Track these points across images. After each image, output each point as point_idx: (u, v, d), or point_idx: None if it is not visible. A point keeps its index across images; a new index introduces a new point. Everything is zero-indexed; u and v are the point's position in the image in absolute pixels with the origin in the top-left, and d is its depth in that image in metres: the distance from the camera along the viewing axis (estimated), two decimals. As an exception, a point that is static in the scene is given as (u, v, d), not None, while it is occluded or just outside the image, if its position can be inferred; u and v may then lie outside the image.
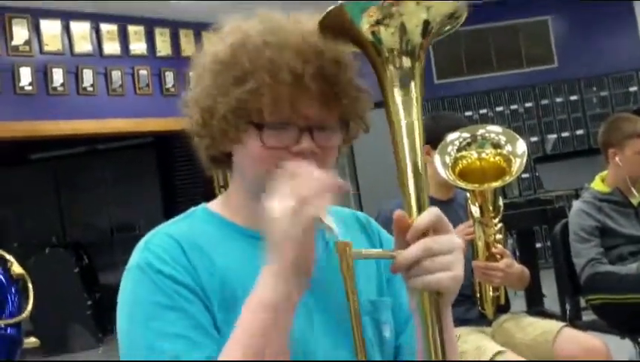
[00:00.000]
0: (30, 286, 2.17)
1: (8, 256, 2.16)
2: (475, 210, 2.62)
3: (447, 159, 2.66)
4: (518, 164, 2.57)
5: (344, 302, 1.26)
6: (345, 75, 1.28)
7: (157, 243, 1.28)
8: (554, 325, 2.78)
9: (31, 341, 2.19)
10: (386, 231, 1.54)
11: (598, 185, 3.49)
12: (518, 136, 2.66)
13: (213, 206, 1.40)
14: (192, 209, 1.40)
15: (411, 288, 1.14)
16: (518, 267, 2.74)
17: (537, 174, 7.31)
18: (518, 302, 5.00)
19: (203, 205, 1.41)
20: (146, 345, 1.20)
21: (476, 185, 2.58)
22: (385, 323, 1.40)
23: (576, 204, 3.45)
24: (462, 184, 2.63)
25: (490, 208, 2.63)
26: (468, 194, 2.67)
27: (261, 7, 1.33)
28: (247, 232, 1.34)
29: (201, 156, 1.36)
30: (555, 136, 8.75)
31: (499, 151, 2.63)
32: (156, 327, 1.20)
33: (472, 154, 2.66)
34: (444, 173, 2.64)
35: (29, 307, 2.14)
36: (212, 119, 1.27)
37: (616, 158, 3.38)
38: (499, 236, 2.66)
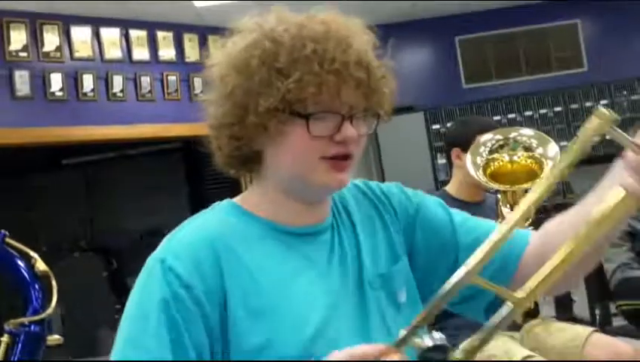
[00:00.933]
0: (54, 283, 2.19)
1: (32, 253, 2.18)
2: (506, 212, 2.61)
3: (479, 160, 2.66)
4: (550, 167, 2.56)
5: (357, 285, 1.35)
6: (376, 61, 1.32)
7: (179, 239, 1.29)
8: (583, 330, 2.76)
9: (54, 338, 2.20)
10: (384, 183, 1.57)
11: (628, 188, 3.45)
12: (550, 139, 2.65)
13: (239, 201, 1.41)
14: (217, 203, 1.41)
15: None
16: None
17: (567, 179, 7.25)
18: (547, 308, 4.96)
19: (228, 200, 1.41)
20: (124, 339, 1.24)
21: (507, 186, 2.58)
22: (399, 290, 1.43)
23: (607, 208, 3.41)
24: (493, 185, 2.62)
25: (521, 212, 2.61)
26: (499, 196, 2.66)
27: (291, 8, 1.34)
28: (276, 226, 1.35)
29: (222, 157, 1.36)
30: (584, 140, 8.67)
31: (530, 153, 2.62)
32: (134, 331, 1.22)
33: (504, 157, 2.66)
34: (474, 174, 2.63)
35: (53, 304, 2.15)
36: (248, 115, 1.27)
37: None
38: (529, 240, 2.64)
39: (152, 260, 1.27)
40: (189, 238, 1.28)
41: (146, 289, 1.24)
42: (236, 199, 1.41)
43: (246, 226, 1.33)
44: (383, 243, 1.46)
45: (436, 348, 1.09)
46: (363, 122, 1.33)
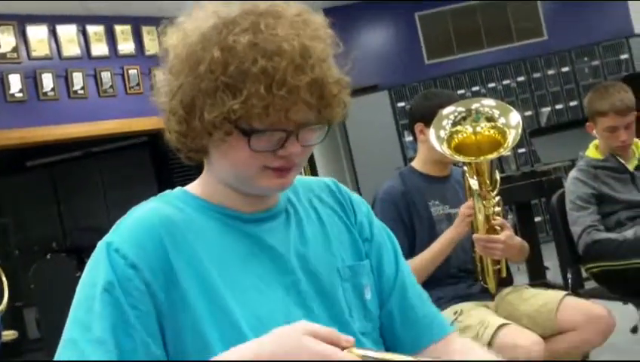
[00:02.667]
0: (4, 280, 2.17)
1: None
2: (473, 183, 2.62)
3: (442, 133, 2.65)
4: (513, 136, 2.57)
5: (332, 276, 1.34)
6: (333, 76, 1.26)
7: (126, 223, 1.28)
8: (556, 295, 2.78)
9: (9, 333, 2.18)
10: (355, 194, 1.56)
11: (592, 152, 3.49)
12: (511, 108, 2.65)
13: (189, 188, 1.40)
14: (168, 191, 1.39)
15: None
16: (518, 239, 2.75)
17: (533, 148, 7.31)
18: (521, 277, 5.01)
19: (179, 188, 1.41)
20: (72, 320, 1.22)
21: (472, 158, 2.58)
22: (366, 286, 1.43)
23: (572, 173, 3.45)
24: (458, 157, 2.63)
25: (488, 182, 2.63)
26: (465, 168, 2.67)
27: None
28: (226, 212, 1.34)
29: (172, 142, 1.34)
30: (548, 108, 8.75)
31: (493, 124, 2.62)
32: (80, 314, 1.21)
33: (467, 129, 2.66)
34: (439, 147, 2.63)
35: (5, 301, 2.13)
36: (193, 120, 1.25)
37: (594, 131, 3.40)
38: (497, 209, 2.66)
39: (100, 244, 1.27)
40: (136, 222, 1.27)
41: (92, 272, 1.23)
42: (187, 187, 1.40)
43: (195, 211, 1.32)
44: (347, 241, 1.46)
45: None
46: (311, 133, 1.30)
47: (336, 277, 1.39)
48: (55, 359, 1.20)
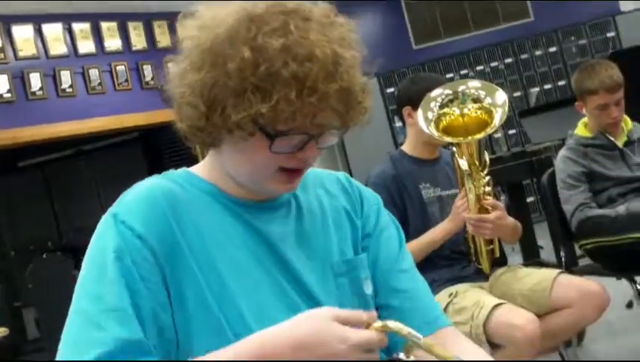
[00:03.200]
0: None
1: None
2: (462, 163, 2.63)
3: (430, 115, 2.67)
4: (500, 114, 2.58)
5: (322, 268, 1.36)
6: (359, 83, 1.26)
7: (132, 195, 1.29)
8: (550, 273, 2.79)
9: (0, 330, 2.19)
10: (367, 189, 1.57)
11: (581, 130, 3.50)
12: (497, 88, 2.67)
13: (194, 169, 1.40)
14: (172, 170, 1.39)
15: None
16: (510, 219, 2.76)
17: (524, 129, 7.32)
18: (516, 258, 5.04)
19: (183, 168, 1.40)
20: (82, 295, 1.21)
21: (460, 138, 2.60)
22: (365, 279, 1.43)
23: (561, 152, 3.46)
24: (447, 138, 2.64)
25: (477, 162, 2.64)
26: (454, 148, 2.68)
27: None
28: (229, 197, 1.35)
29: (182, 130, 1.31)
30: (537, 89, 8.76)
31: (480, 105, 2.64)
32: (91, 284, 1.20)
33: (455, 111, 2.67)
34: (426, 128, 2.64)
35: None
36: (214, 114, 1.22)
37: (584, 110, 3.42)
38: (488, 188, 2.67)
39: (105, 216, 1.27)
40: (140, 195, 1.27)
41: (100, 241, 1.23)
42: (192, 168, 1.40)
43: (199, 191, 1.33)
44: (349, 236, 1.46)
45: None
46: (330, 136, 1.30)
47: (330, 273, 1.39)
48: (64, 335, 1.19)
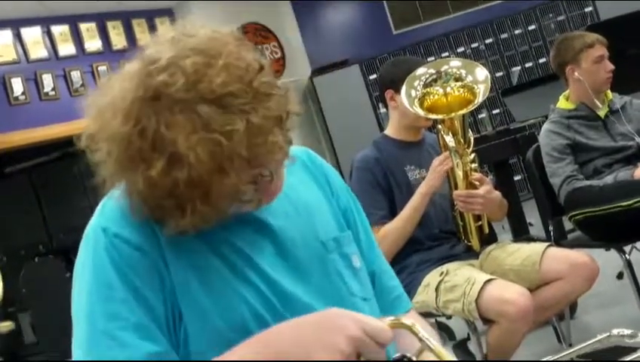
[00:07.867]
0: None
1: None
2: (449, 140, 2.65)
3: (414, 93, 2.69)
4: (482, 90, 2.61)
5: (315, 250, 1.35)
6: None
7: (113, 206, 1.27)
8: (539, 247, 2.81)
9: (5, 324, 2.18)
10: (330, 166, 1.57)
11: (562, 103, 3.53)
12: (477, 64, 2.70)
13: None
14: None
15: None
16: (497, 193, 2.78)
17: (507, 108, 7.34)
18: (506, 236, 5.06)
19: None
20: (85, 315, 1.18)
21: (445, 115, 2.62)
22: (353, 254, 1.44)
23: (545, 126, 3.48)
24: (431, 115, 2.66)
25: (462, 140, 2.67)
26: (440, 126, 2.69)
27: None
28: None
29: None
30: (519, 68, 8.77)
31: (462, 83, 2.66)
32: (100, 304, 1.18)
33: (438, 90, 2.69)
34: (410, 107, 2.66)
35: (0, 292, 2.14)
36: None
37: (575, 74, 3.42)
38: (474, 165, 2.69)
39: (93, 231, 1.24)
40: (122, 203, 1.25)
41: (97, 260, 1.20)
42: None
43: None
44: (329, 212, 1.46)
45: None
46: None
47: (322, 250, 1.38)
48: (89, 358, 1.14)
